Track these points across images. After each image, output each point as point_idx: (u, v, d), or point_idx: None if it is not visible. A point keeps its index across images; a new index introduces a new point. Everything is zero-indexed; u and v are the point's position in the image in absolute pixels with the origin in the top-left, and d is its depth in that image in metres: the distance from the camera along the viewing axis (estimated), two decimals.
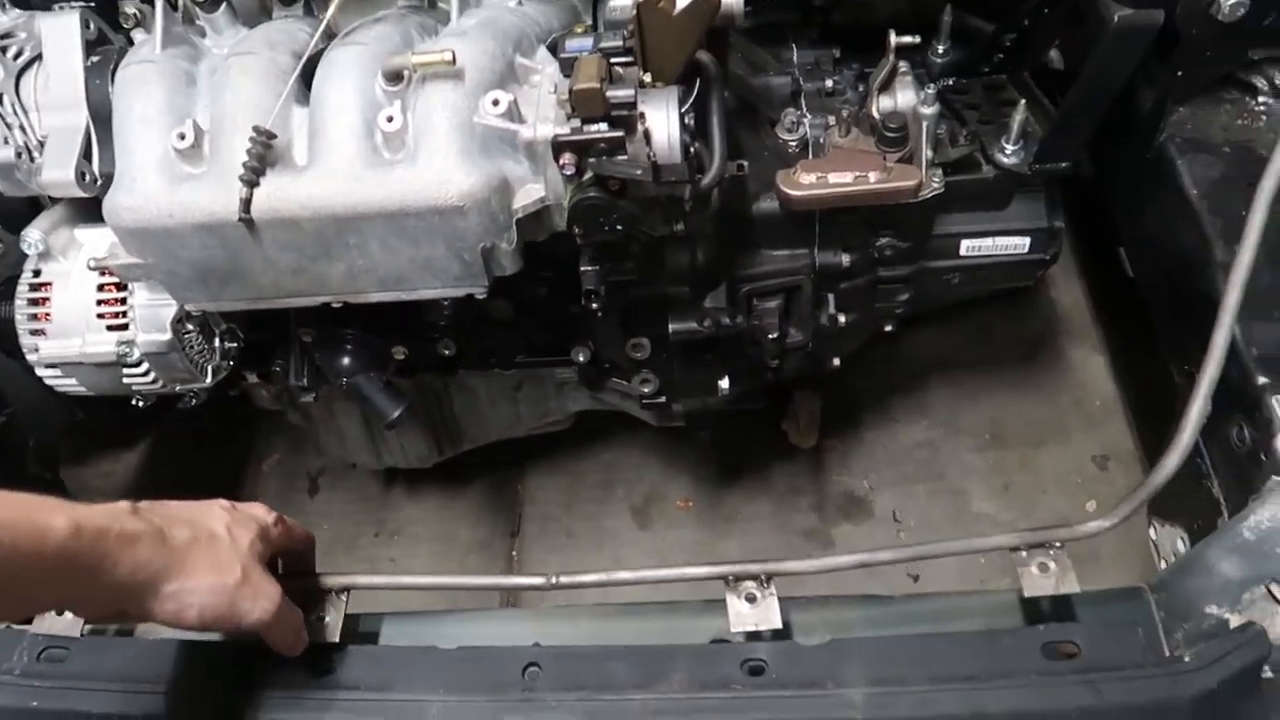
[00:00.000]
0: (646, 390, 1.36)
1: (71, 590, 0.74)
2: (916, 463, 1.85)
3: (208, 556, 0.81)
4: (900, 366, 1.94)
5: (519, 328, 1.40)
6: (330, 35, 1.08)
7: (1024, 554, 0.91)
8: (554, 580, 0.91)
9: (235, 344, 1.21)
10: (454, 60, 0.95)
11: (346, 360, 1.26)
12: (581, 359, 1.38)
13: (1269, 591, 0.91)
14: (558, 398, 1.56)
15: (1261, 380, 1.06)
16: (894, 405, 1.91)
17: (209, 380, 1.19)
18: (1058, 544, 0.90)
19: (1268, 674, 0.85)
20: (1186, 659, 0.82)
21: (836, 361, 1.53)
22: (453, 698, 0.83)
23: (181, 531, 0.81)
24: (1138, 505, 0.94)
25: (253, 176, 0.95)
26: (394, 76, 0.98)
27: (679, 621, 0.93)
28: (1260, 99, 1.29)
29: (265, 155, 0.96)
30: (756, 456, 1.86)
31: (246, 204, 0.95)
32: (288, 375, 1.32)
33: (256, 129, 0.95)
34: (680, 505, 1.83)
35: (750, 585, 0.87)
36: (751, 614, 0.86)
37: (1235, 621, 0.87)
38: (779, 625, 0.86)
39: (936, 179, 1.27)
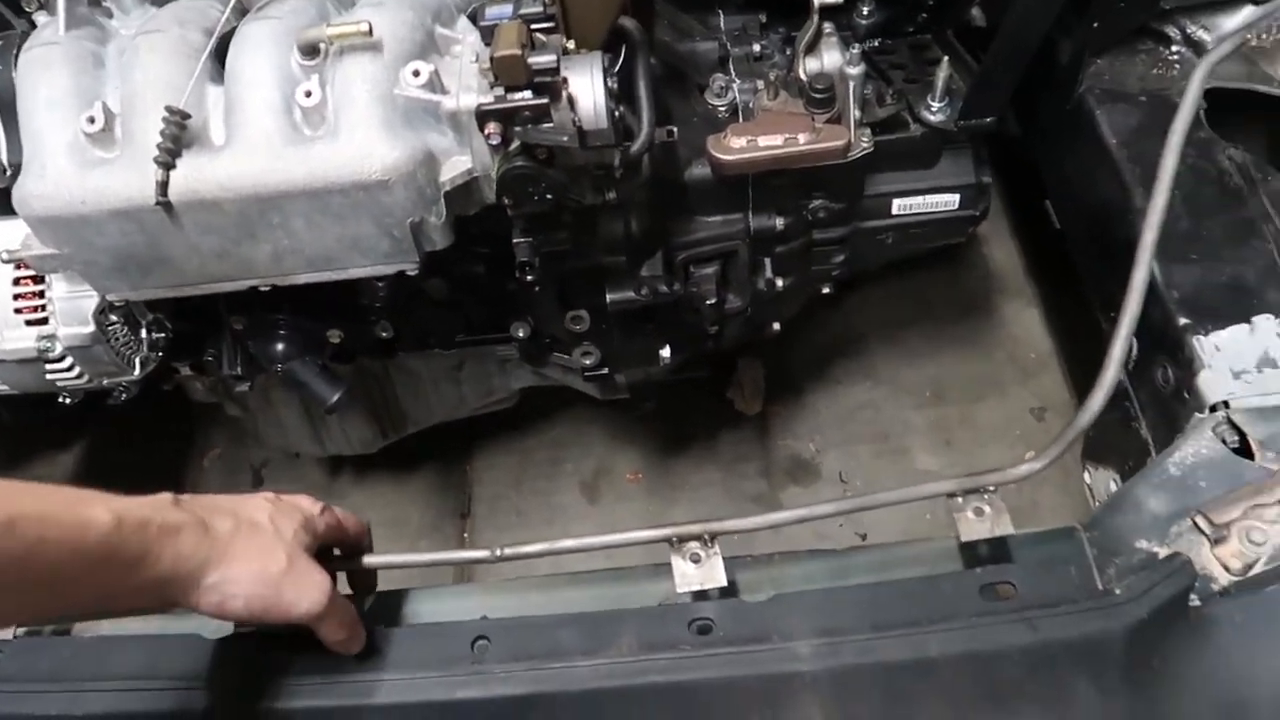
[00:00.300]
0: (588, 362, 1.36)
1: (114, 583, 0.72)
2: (860, 423, 1.87)
3: (251, 545, 0.79)
4: (840, 330, 1.96)
5: (457, 306, 1.38)
6: (242, 11, 1.06)
7: (960, 500, 0.93)
8: (499, 553, 0.90)
9: (163, 335, 1.18)
10: (371, 31, 0.94)
11: (280, 346, 1.24)
12: (521, 335, 1.37)
13: (1194, 523, 0.94)
14: (500, 376, 1.55)
15: (1182, 321, 1.10)
16: (836, 368, 1.94)
17: (138, 373, 1.16)
18: (991, 488, 0.92)
19: (1195, 602, 0.88)
20: (1118, 592, 0.85)
21: (776, 326, 1.54)
22: (402, 675, 0.82)
23: (223, 522, 0.79)
24: (1067, 446, 0.96)
25: (168, 158, 0.93)
26: (310, 50, 0.96)
27: (627, 587, 0.93)
28: (1173, 48, 1.33)
29: (180, 136, 0.93)
30: (703, 425, 1.87)
31: (163, 187, 0.93)
32: (221, 365, 1.29)
33: (169, 109, 0.92)
34: (629, 478, 1.83)
35: (694, 546, 0.88)
36: (697, 574, 0.87)
37: (1164, 555, 0.90)
38: (724, 583, 0.87)
39: (865, 139, 1.28)
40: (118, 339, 1.12)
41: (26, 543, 0.64)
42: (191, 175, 0.94)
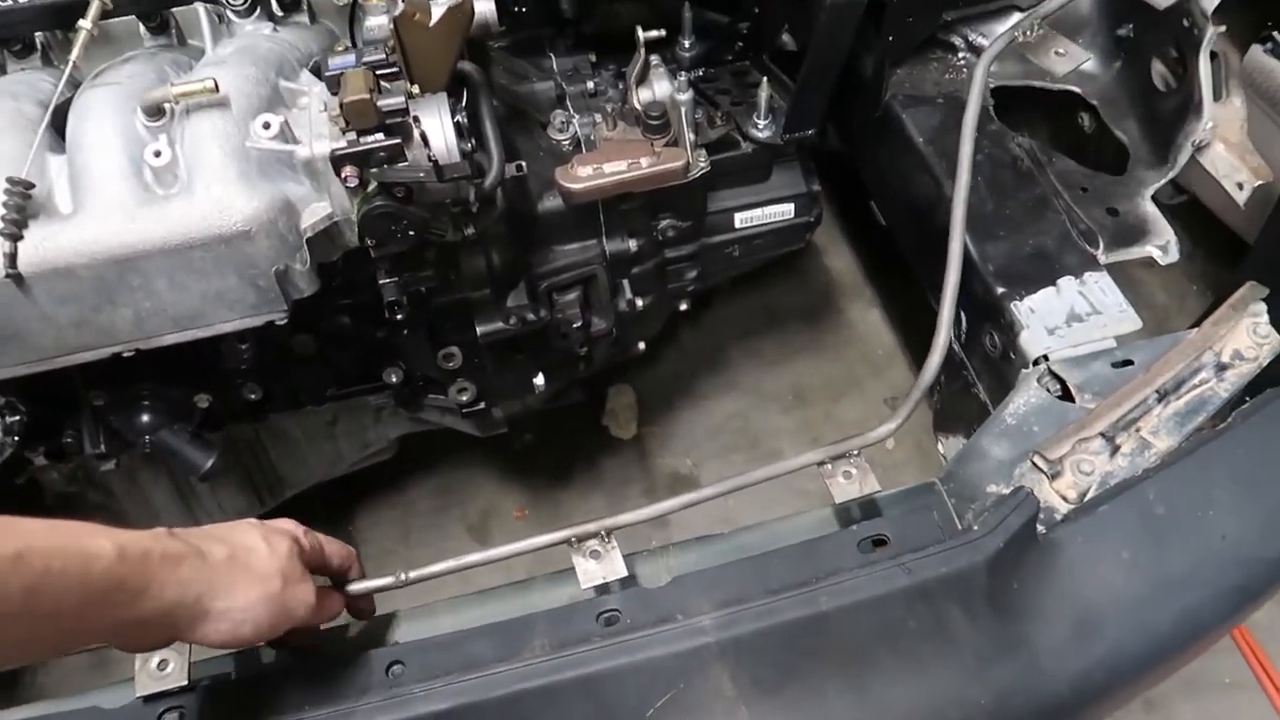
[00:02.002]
0: (465, 399, 1.39)
1: (120, 614, 0.72)
2: (731, 433, 1.96)
3: (249, 571, 0.81)
4: (702, 348, 2.05)
5: (325, 360, 1.38)
6: (75, 83, 1.05)
7: (829, 466, 1.00)
8: (404, 577, 0.92)
9: (17, 417, 1.14)
10: (216, 88, 0.95)
11: (146, 417, 1.21)
12: (395, 379, 1.39)
13: (1033, 463, 1.05)
14: (376, 426, 1.55)
15: (1000, 290, 1.23)
16: (702, 385, 2.02)
17: None
18: (855, 452, 1.00)
19: (1042, 530, 0.98)
20: (976, 528, 0.94)
21: (642, 346, 1.61)
22: (320, 710, 0.82)
23: (219, 549, 0.80)
24: (913, 405, 1.06)
25: (14, 229, 0.91)
26: (155, 111, 0.97)
27: (534, 596, 0.96)
28: (959, 55, 1.49)
29: (25, 206, 0.92)
30: (583, 455, 1.91)
31: (12, 258, 0.91)
32: (82, 446, 1.25)
33: (11, 180, 0.91)
34: (517, 515, 1.85)
35: (593, 543, 0.92)
36: (599, 569, 0.91)
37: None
38: (625, 574, 0.91)
39: (702, 159, 1.37)
40: None
41: (34, 575, 0.64)
42: (42, 244, 0.93)
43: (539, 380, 1.43)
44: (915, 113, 1.43)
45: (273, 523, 0.90)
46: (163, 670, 0.84)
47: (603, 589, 0.92)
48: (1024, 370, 1.16)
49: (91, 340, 1.01)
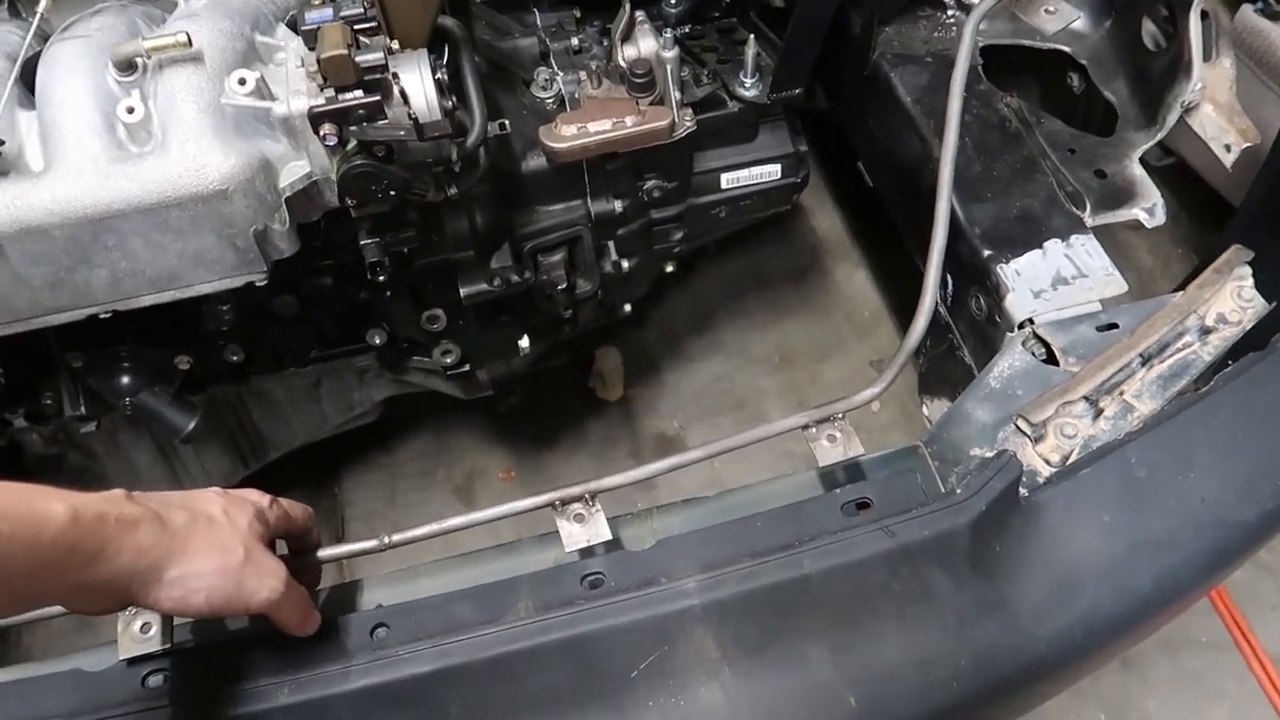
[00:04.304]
0: (449, 361, 1.38)
1: (72, 579, 0.70)
2: (717, 395, 1.96)
3: (208, 539, 0.78)
4: (689, 310, 2.05)
5: (308, 322, 1.37)
6: (44, 36, 1.02)
7: (813, 430, 1.00)
8: (387, 540, 0.92)
9: None
10: (190, 42, 0.93)
11: (126, 379, 1.20)
12: (378, 341, 1.38)
13: (1016, 426, 1.05)
14: (360, 388, 1.54)
15: (986, 253, 1.22)
16: (688, 346, 2.02)
17: None
18: (840, 415, 1.00)
19: (1025, 493, 0.98)
20: (959, 492, 0.94)
21: (628, 308, 1.60)
22: (304, 673, 0.82)
23: (179, 515, 0.78)
24: (898, 369, 1.05)
25: None
26: (126, 66, 0.94)
27: (518, 559, 0.96)
28: (949, 12, 1.47)
29: None
30: (569, 417, 1.91)
31: None
32: (61, 408, 1.23)
33: None
34: (503, 477, 1.85)
35: (577, 506, 0.92)
36: (583, 532, 0.91)
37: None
38: (609, 538, 0.91)
39: (688, 118, 1.36)
40: None
41: None
42: (13, 203, 0.91)
43: (523, 342, 1.42)
44: (903, 71, 1.41)
45: (236, 493, 0.87)
46: (145, 633, 0.84)
47: (587, 552, 0.92)
48: (1009, 334, 1.16)
49: (67, 301, 0.99)
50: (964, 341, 1.31)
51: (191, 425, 1.21)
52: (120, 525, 0.72)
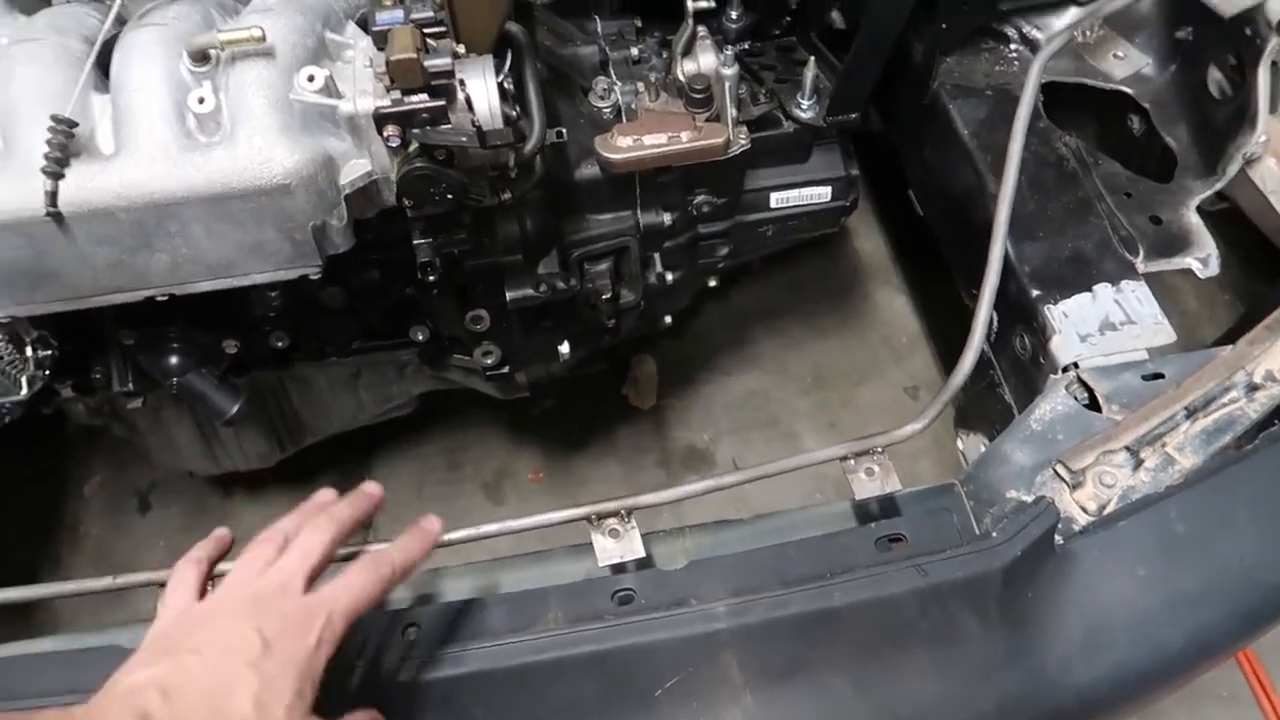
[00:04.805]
0: (489, 362, 1.39)
1: None
2: (750, 411, 1.96)
3: None
4: (726, 323, 2.05)
5: (354, 313, 1.38)
6: (122, 20, 1.04)
7: (852, 462, 1.00)
8: None
9: (49, 352, 1.14)
10: (263, 37, 0.94)
11: (174, 359, 1.22)
12: (421, 338, 1.39)
13: (1055, 472, 1.04)
14: (399, 382, 1.55)
15: (1035, 293, 1.21)
16: (724, 360, 2.02)
17: (25, 393, 1.12)
18: (879, 449, 1.00)
19: (1060, 541, 0.98)
20: (994, 535, 0.94)
21: (668, 319, 1.61)
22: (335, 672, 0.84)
23: None
24: (942, 407, 1.05)
25: (56, 168, 0.91)
26: (200, 57, 0.96)
27: (549, 568, 0.96)
28: (1012, 47, 1.46)
29: (68, 145, 0.92)
30: (600, 422, 1.92)
31: (53, 196, 0.91)
32: (110, 383, 1.26)
33: (56, 117, 0.91)
34: (531, 478, 1.86)
35: (612, 522, 0.92)
36: (616, 547, 0.91)
37: (1031, 501, 1.00)
38: (642, 555, 0.92)
39: (743, 136, 1.36)
40: (2, 358, 1.08)
41: None
42: (83, 185, 0.93)
43: (564, 348, 1.43)
44: (963, 103, 1.40)
45: (280, 646, 0.71)
46: None
47: (619, 568, 0.92)
48: (1052, 376, 1.15)
49: (126, 282, 1.01)
50: (1005, 380, 1.30)
51: (235, 409, 1.23)
52: None
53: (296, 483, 1.81)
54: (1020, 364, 1.26)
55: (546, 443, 1.88)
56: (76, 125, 0.93)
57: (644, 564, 0.94)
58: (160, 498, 1.82)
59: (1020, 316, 1.23)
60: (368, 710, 0.78)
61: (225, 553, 0.87)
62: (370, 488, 0.87)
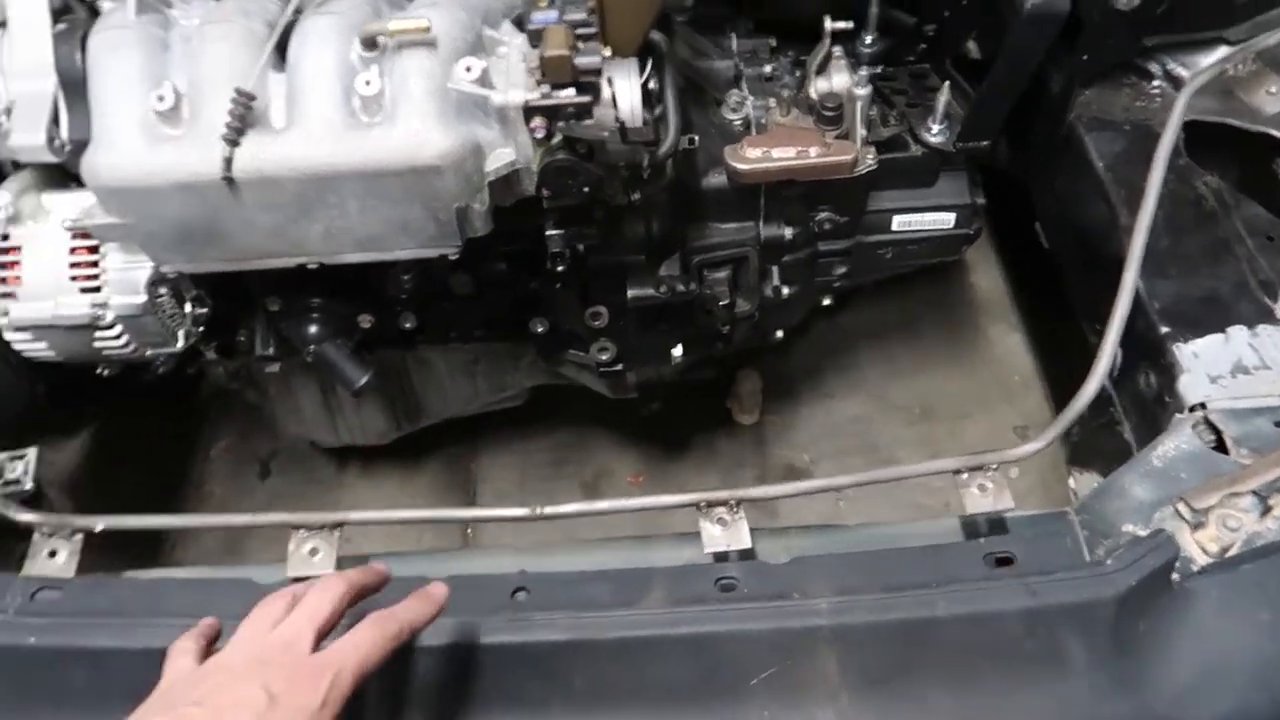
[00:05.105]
0: (604, 358, 1.42)
1: None
2: (852, 435, 1.95)
3: None
4: (835, 346, 2.05)
5: (478, 302, 1.44)
6: (299, 9, 1.13)
7: (965, 476, 1.00)
8: (538, 511, 0.96)
9: (205, 309, 1.23)
10: (429, 28, 1.01)
11: (313, 328, 1.29)
12: (540, 330, 1.44)
13: (1176, 510, 1.02)
14: (514, 372, 1.61)
15: (1164, 330, 1.19)
16: (829, 382, 2.02)
17: (180, 345, 1.20)
18: (994, 466, 1.00)
19: (1176, 578, 0.95)
20: (1109, 562, 0.92)
21: (780, 334, 1.62)
22: (445, 620, 0.87)
23: None
24: (1064, 428, 1.04)
25: (235, 136, 0.99)
26: (370, 43, 1.03)
27: (653, 552, 0.99)
28: (1154, 83, 1.43)
29: (246, 116, 1.00)
30: (702, 432, 1.93)
31: (229, 162, 0.99)
32: (253, 346, 1.34)
33: (239, 90, 0.99)
34: (630, 480, 1.89)
35: (721, 511, 0.94)
36: (723, 536, 0.93)
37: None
38: (748, 545, 0.93)
39: (870, 156, 1.37)
40: (165, 311, 1.17)
41: None
42: (256, 154, 1.00)
43: (677, 351, 1.46)
44: (1099, 137, 1.39)
45: (286, 697, 0.71)
46: (313, 556, 0.91)
47: (721, 557, 0.94)
48: (1178, 415, 1.12)
49: (284, 249, 1.08)
50: (1125, 417, 1.27)
51: (364, 379, 1.30)
52: None
53: (405, 464, 1.88)
54: (1143, 402, 1.22)
55: (648, 448, 1.91)
56: (255, 99, 1.01)
57: (746, 556, 0.95)
58: (280, 466, 1.92)
59: (1147, 353, 1.21)
60: None
61: (217, 638, 0.84)
62: (380, 566, 0.87)
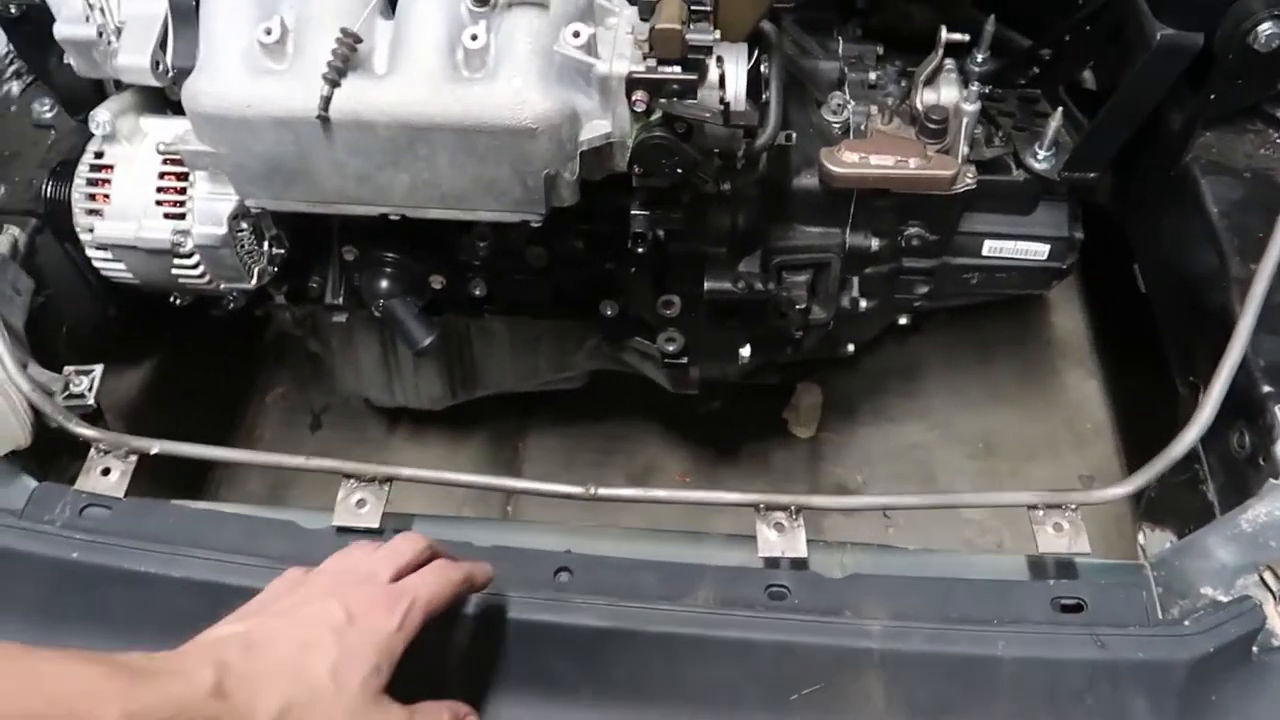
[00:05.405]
0: (671, 349, 1.39)
1: None
2: (909, 463, 1.89)
3: None
4: (901, 369, 1.99)
5: (551, 277, 1.42)
6: None
7: (1040, 513, 0.95)
8: (592, 491, 0.94)
9: (282, 250, 1.23)
10: None
11: (385, 283, 1.28)
12: (609, 313, 1.42)
13: (1261, 578, 0.95)
14: (577, 353, 1.58)
15: (1266, 389, 1.12)
16: (892, 406, 1.96)
17: (253, 283, 1.20)
18: (1073, 506, 0.94)
19: (1256, 650, 0.89)
20: (1186, 624, 0.86)
21: (851, 348, 1.58)
22: (488, 593, 0.85)
23: (267, 702, 0.67)
24: (1156, 473, 0.98)
25: (336, 76, 0.98)
26: None
27: (703, 549, 0.96)
28: None
29: (349, 58, 0.99)
30: (755, 440, 1.89)
31: (327, 102, 0.98)
32: (323, 294, 1.34)
33: (345, 30, 0.98)
34: (678, 478, 1.86)
35: (780, 515, 0.91)
36: (779, 541, 0.90)
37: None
38: (804, 554, 0.90)
39: (970, 175, 1.32)
40: (244, 246, 1.16)
41: None
42: (354, 96, 0.99)
43: (745, 350, 1.42)
44: (1215, 181, 1.32)
45: (362, 616, 0.74)
46: (360, 508, 0.89)
47: (773, 563, 0.90)
48: (1273, 481, 1.06)
49: (368, 196, 1.07)
50: (1211, 476, 1.20)
51: (428, 340, 1.28)
52: None
53: (453, 433, 1.87)
54: (1233, 462, 1.16)
55: (699, 448, 1.87)
56: (360, 41, 1.00)
57: (799, 566, 0.91)
58: (331, 420, 1.92)
59: (1244, 412, 1.14)
60: (446, 702, 0.79)
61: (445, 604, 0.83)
62: (464, 563, 0.85)
